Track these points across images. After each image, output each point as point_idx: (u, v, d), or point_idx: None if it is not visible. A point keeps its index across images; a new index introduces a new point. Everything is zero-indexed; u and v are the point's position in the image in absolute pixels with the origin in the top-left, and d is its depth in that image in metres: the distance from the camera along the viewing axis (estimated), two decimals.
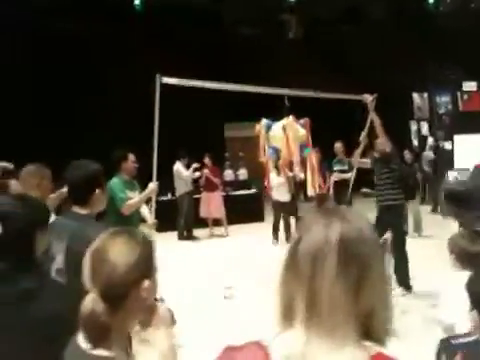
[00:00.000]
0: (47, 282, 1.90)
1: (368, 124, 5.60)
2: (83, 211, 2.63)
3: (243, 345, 0.99)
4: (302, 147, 5.34)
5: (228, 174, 12.24)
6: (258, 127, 4.93)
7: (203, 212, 10.47)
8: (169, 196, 10.80)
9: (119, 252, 1.33)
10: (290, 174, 7.42)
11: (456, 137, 14.43)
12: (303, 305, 0.93)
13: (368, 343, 0.94)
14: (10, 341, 1.60)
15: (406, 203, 7.10)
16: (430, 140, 14.70)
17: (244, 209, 11.34)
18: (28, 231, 1.85)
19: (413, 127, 15.02)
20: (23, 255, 1.81)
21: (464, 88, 14.37)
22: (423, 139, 14.88)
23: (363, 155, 6.03)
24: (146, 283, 1.33)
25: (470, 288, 2.01)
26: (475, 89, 14.29)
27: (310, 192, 6.52)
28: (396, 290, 5.65)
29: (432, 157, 13.43)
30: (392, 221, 5.74)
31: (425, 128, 14.98)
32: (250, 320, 5.38)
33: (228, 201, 10.79)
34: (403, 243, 5.82)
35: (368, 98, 5.41)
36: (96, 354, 1.26)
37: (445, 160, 13.95)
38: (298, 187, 8.46)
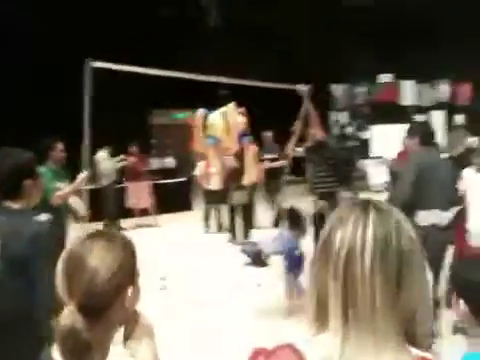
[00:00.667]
0: None
1: (302, 113, 5.69)
2: (16, 205, 2.41)
3: (275, 349, 0.92)
4: (241, 135, 5.33)
5: (155, 162, 11.99)
6: (198, 115, 4.83)
7: (130, 202, 10.19)
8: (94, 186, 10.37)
9: (99, 258, 1.17)
10: (224, 162, 7.40)
11: (372, 127, 15.21)
12: (339, 305, 0.87)
13: (410, 347, 0.89)
14: None
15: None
16: (348, 130, 15.35)
17: (172, 198, 11.17)
18: None
19: (332, 117, 15.55)
20: None
21: (380, 80, 15.11)
22: (342, 129, 15.48)
23: (297, 144, 6.13)
24: (129, 291, 1.21)
25: (457, 274, 1.95)
26: (390, 80, 15.07)
27: (246, 181, 6.55)
28: None
29: (351, 146, 14.04)
30: (330, 208, 5.90)
31: (344, 118, 15.58)
32: (186, 309, 5.36)
33: (155, 190, 10.57)
34: None
35: (303, 88, 5.49)
36: None
37: (362, 149, 14.68)
38: (232, 176, 8.47)
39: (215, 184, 7.80)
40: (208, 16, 18.32)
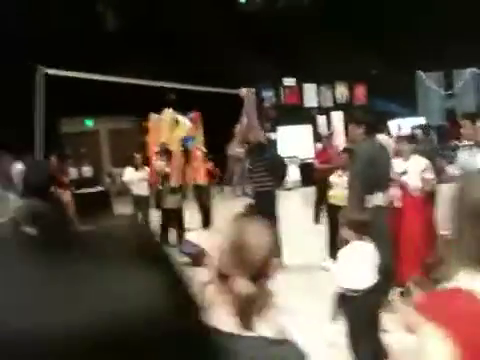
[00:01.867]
0: None
1: (244, 116, 5.98)
2: None
3: (443, 291, 1.15)
4: (187, 139, 5.44)
5: (72, 172, 11.56)
6: (168, 119, 4.87)
7: None
8: None
9: (257, 237, 1.44)
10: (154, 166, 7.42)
11: (279, 128, 15.98)
12: None
13: None
14: None
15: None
16: None
17: (93, 207, 10.85)
18: None
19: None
20: None
21: (285, 83, 15.93)
22: None
23: (240, 145, 6.41)
24: (275, 261, 1.46)
25: None
26: (294, 84, 15.96)
27: (173, 183, 6.65)
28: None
29: None
30: (266, 205, 6.23)
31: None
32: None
33: (74, 200, 10.20)
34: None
35: (244, 91, 5.78)
36: (266, 336, 1.32)
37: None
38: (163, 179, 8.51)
39: (140, 190, 7.86)
40: (105, 21, 18.05)
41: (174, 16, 15.61)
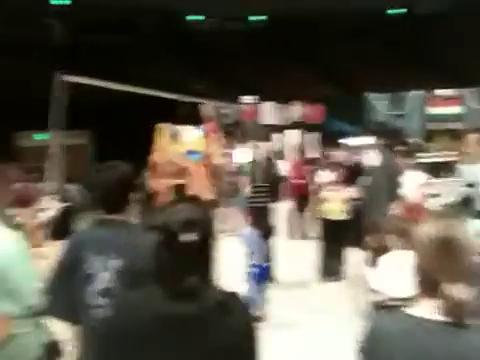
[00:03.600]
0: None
1: None
2: (120, 218, 2.26)
3: None
4: (191, 153, 5.31)
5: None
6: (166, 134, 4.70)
7: None
8: None
9: (464, 238, 1.38)
10: None
11: (238, 145, 16.06)
12: None
13: None
14: None
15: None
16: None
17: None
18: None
19: None
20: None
21: (244, 101, 16.12)
22: None
23: None
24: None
25: None
26: (252, 102, 16.19)
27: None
28: None
29: None
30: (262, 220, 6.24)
31: None
32: None
33: None
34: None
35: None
36: None
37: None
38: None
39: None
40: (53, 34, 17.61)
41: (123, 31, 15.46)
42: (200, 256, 1.42)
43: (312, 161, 10.69)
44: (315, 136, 15.94)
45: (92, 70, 12.20)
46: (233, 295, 1.47)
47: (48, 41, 16.49)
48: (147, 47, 16.28)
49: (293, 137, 16.06)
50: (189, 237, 1.39)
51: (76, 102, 5.39)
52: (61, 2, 17.54)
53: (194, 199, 1.53)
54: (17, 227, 2.76)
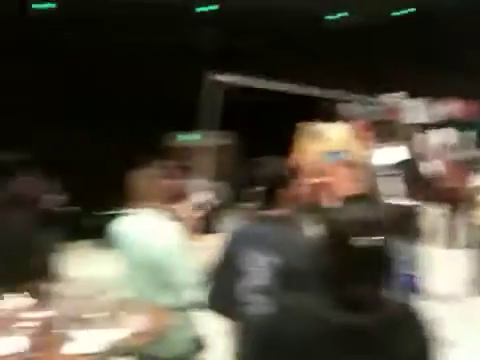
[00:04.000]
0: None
1: None
2: (279, 214, 2.19)
3: None
4: (333, 154, 5.12)
5: None
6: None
7: None
8: None
9: None
10: None
11: (384, 145, 15.42)
12: None
13: None
14: None
15: None
16: None
17: None
18: None
19: None
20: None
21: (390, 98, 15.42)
22: None
23: None
24: None
25: None
26: (398, 99, 15.42)
27: None
28: None
29: None
30: None
31: None
32: None
33: None
34: None
35: None
36: None
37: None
38: None
39: None
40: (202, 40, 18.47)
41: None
42: (375, 263, 1.28)
43: (466, 162, 9.81)
44: (469, 135, 14.67)
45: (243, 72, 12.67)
46: (412, 309, 1.32)
47: (198, 47, 17.37)
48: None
49: (444, 136, 14.98)
50: (366, 241, 1.25)
51: (227, 103, 5.58)
52: (206, 9, 18.36)
53: (367, 198, 1.40)
54: (177, 220, 2.90)
